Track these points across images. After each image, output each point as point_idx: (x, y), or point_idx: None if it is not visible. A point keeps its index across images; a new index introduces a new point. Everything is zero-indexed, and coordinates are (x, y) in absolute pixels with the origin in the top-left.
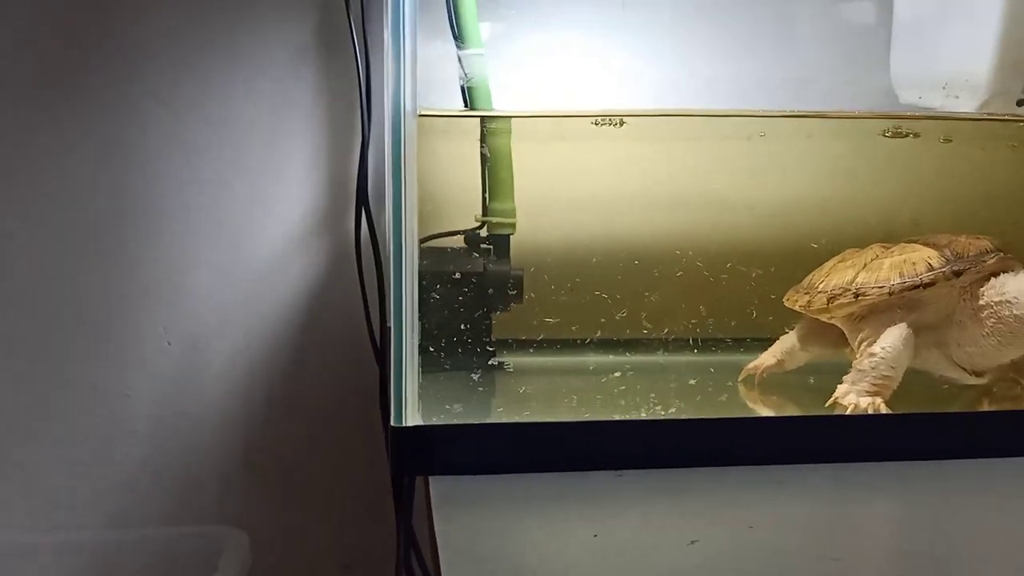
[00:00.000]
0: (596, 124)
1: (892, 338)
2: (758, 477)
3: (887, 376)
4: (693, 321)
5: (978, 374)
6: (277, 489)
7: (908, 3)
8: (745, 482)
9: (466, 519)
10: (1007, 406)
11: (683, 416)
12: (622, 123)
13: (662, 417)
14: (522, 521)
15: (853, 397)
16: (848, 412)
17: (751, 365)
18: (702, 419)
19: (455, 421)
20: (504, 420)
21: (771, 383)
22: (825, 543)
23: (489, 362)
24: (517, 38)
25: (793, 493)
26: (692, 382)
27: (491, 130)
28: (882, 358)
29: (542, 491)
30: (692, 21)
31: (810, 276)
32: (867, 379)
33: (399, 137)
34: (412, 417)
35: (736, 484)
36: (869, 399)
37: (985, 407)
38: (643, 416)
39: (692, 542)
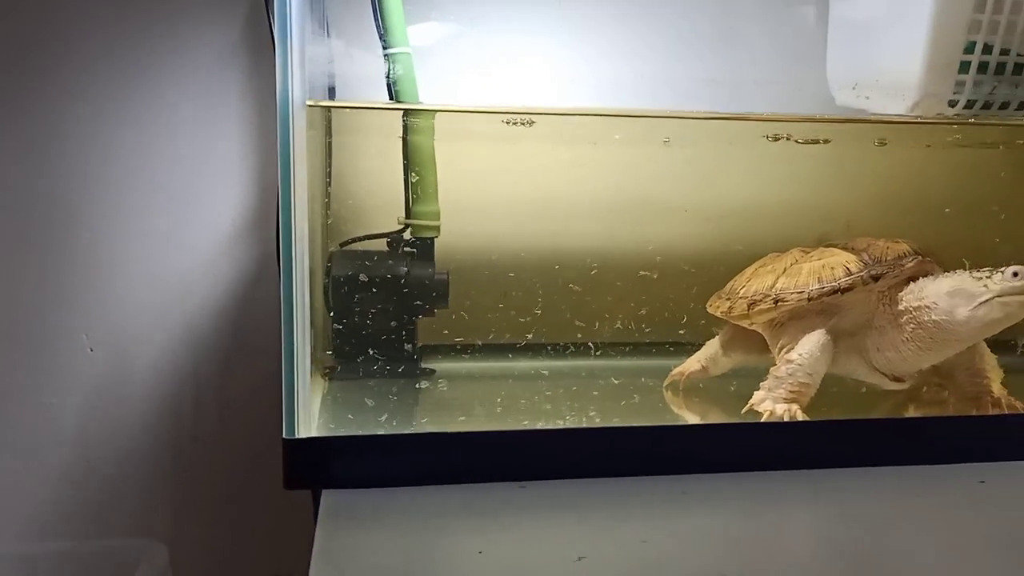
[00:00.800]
0: (507, 123)
1: (810, 344)
2: (662, 487)
3: (804, 383)
4: (622, 325)
5: (898, 379)
6: (205, 500)
7: (844, 6)
8: (648, 493)
9: (349, 535)
10: (934, 411)
11: (591, 425)
12: (531, 123)
13: (568, 426)
14: (407, 537)
15: (769, 404)
16: (764, 419)
17: (676, 370)
18: (610, 427)
19: (350, 432)
20: (401, 431)
21: (696, 388)
22: (726, 557)
23: (412, 368)
24: (451, 35)
25: (699, 504)
26: (616, 381)
27: (414, 131)
28: (799, 364)
29: (436, 505)
30: (632, 19)
31: (732, 281)
32: (784, 386)
33: (287, 127)
34: (304, 428)
35: (637, 495)
36: (786, 406)
37: (912, 412)
38: (563, 424)
39: (579, 558)
